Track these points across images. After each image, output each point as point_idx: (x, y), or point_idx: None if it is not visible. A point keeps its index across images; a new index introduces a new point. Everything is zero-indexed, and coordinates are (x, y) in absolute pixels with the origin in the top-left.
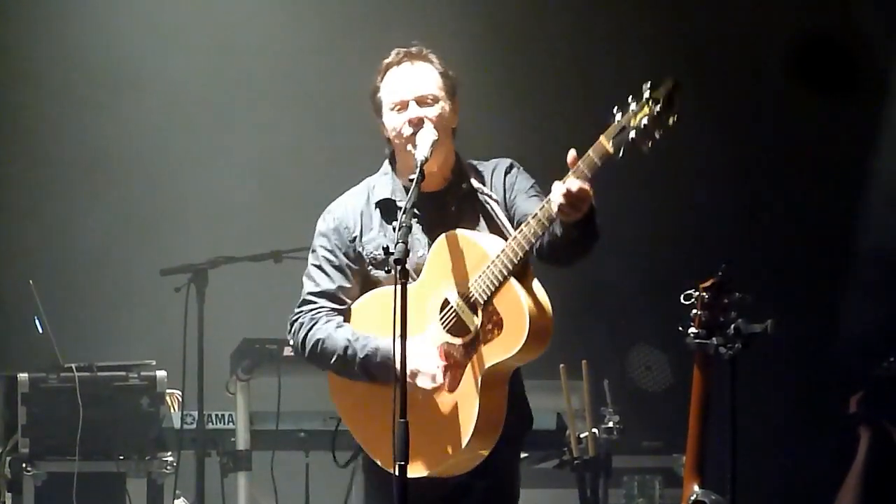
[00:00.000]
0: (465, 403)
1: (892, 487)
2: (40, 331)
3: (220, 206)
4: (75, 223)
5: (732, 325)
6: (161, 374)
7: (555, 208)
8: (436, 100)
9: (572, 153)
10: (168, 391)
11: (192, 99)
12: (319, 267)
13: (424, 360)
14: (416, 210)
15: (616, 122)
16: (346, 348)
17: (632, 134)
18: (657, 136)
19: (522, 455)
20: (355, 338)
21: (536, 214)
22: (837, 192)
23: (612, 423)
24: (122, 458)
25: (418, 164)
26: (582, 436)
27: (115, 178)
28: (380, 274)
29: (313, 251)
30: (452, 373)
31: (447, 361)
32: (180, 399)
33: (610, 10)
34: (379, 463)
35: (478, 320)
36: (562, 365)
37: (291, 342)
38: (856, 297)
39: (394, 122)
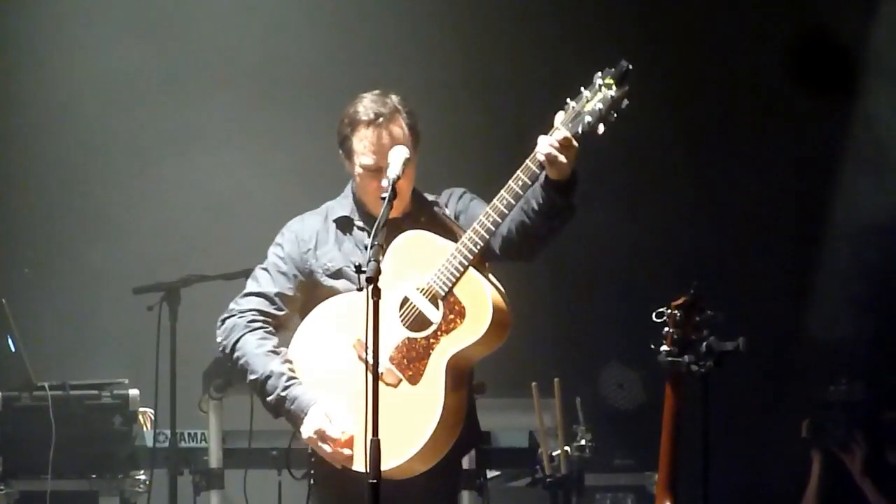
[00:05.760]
0: (430, 391)
1: None
2: (13, 349)
3: (192, 224)
4: (47, 242)
5: (704, 343)
6: (134, 392)
7: (541, 157)
8: (407, 161)
9: (559, 113)
10: (141, 410)
11: (164, 116)
12: (266, 269)
13: (331, 424)
14: (370, 233)
15: (570, 109)
16: (267, 378)
17: (587, 118)
18: (612, 118)
19: (495, 473)
20: (280, 374)
21: (515, 179)
22: (814, 206)
23: (585, 441)
24: (94, 476)
25: (390, 182)
26: (554, 454)
27: (87, 197)
28: (334, 283)
29: (266, 258)
30: (415, 366)
31: (402, 363)
32: (153, 417)
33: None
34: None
35: (439, 312)
36: (534, 383)
37: (219, 338)
38: (821, 316)
39: (366, 182)
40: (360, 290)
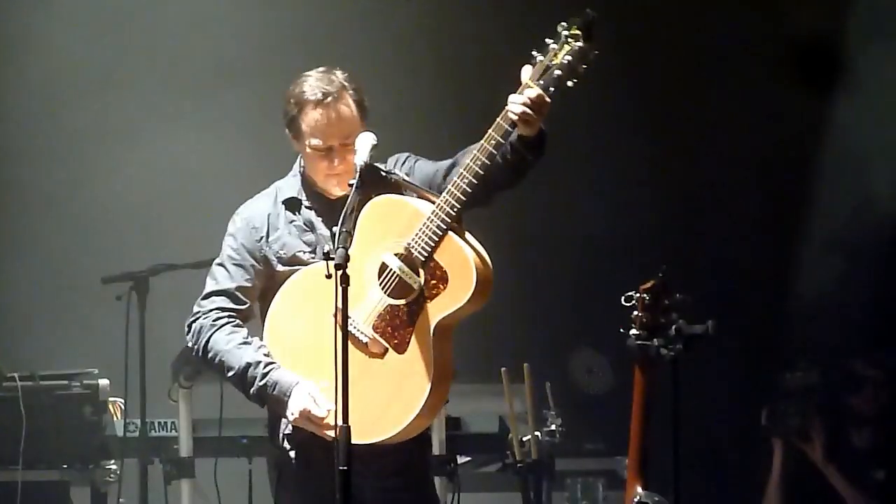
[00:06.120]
0: (419, 361)
1: (810, 499)
2: None
3: (160, 213)
4: (14, 232)
5: (673, 327)
6: (103, 382)
7: (514, 117)
8: (375, 147)
9: (527, 68)
10: (111, 399)
11: (129, 103)
12: (222, 265)
13: (316, 404)
14: (322, 214)
15: (539, 63)
16: (245, 369)
17: (556, 72)
18: (581, 71)
19: (465, 459)
20: (257, 362)
21: (487, 139)
22: (779, 191)
23: (555, 426)
24: (65, 466)
25: (358, 169)
26: (524, 439)
27: (53, 186)
28: (289, 269)
29: (221, 251)
30: (400, 334)
31: (386, 332)
32: (123, 407)
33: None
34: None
35: (420, 278)
36: (503, 368)
37: (190, 343)
38: (790, 299)
39: (315, 162)
40: (328, 276)
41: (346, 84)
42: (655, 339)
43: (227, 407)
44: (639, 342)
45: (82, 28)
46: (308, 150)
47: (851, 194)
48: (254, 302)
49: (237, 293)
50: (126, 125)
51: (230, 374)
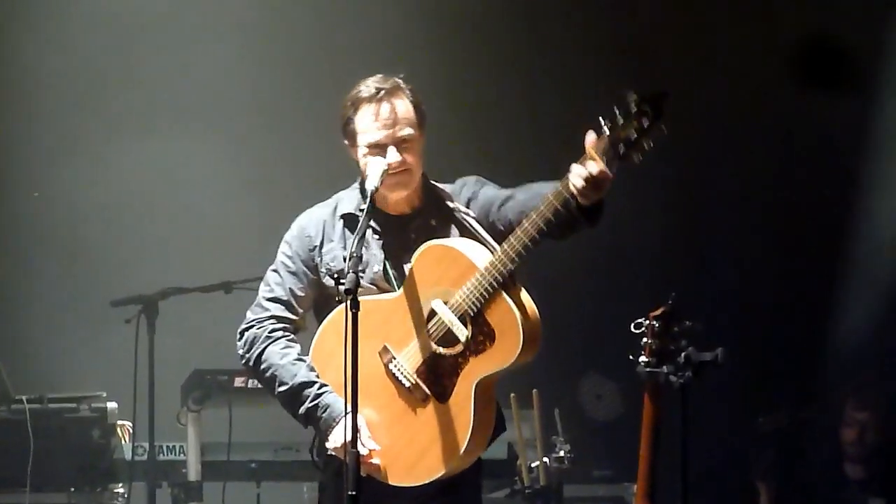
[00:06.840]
0: (460, 412)
1: None
2: None
3: (170, 236)
4: (24, 255)
5: (683, 354)
6: (112, 405)
7: (574, 190)
8: (412, 139)
9: (591, 135)
10: (119, 422)
11: (140, 128)
12: (276, 271)
13: (360, 442)
14: (379, 230)
15: (604, 136)
16: (300, 387)
17: (621, 148)
18: (647, 146)
19: None
20: (311, 382)
21: (547, 206)
22: (790, 221)
23: (563, 452)
24: (73, 489)
25: (368, 195)
26: (533, 465)
27: (63, 209)
28: (333, 285)
29: (276, 258)
30: (443, 383)
31: (429, 379)
32: (131, 430)
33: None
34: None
35: (468, 332)
36: (512, 394)
37: (240, 351)
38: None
39: (370, 164)
40: (338, 301)
41: (401, 84)
42: (665, 366)
43: (235, 431)
44: (648, 369)
45: (94, 51)
46: (363, 150)
47: (871, 221)
48: (307, 312)
49: (291, 301)
50: (138, 150)
51: (281, 388)
